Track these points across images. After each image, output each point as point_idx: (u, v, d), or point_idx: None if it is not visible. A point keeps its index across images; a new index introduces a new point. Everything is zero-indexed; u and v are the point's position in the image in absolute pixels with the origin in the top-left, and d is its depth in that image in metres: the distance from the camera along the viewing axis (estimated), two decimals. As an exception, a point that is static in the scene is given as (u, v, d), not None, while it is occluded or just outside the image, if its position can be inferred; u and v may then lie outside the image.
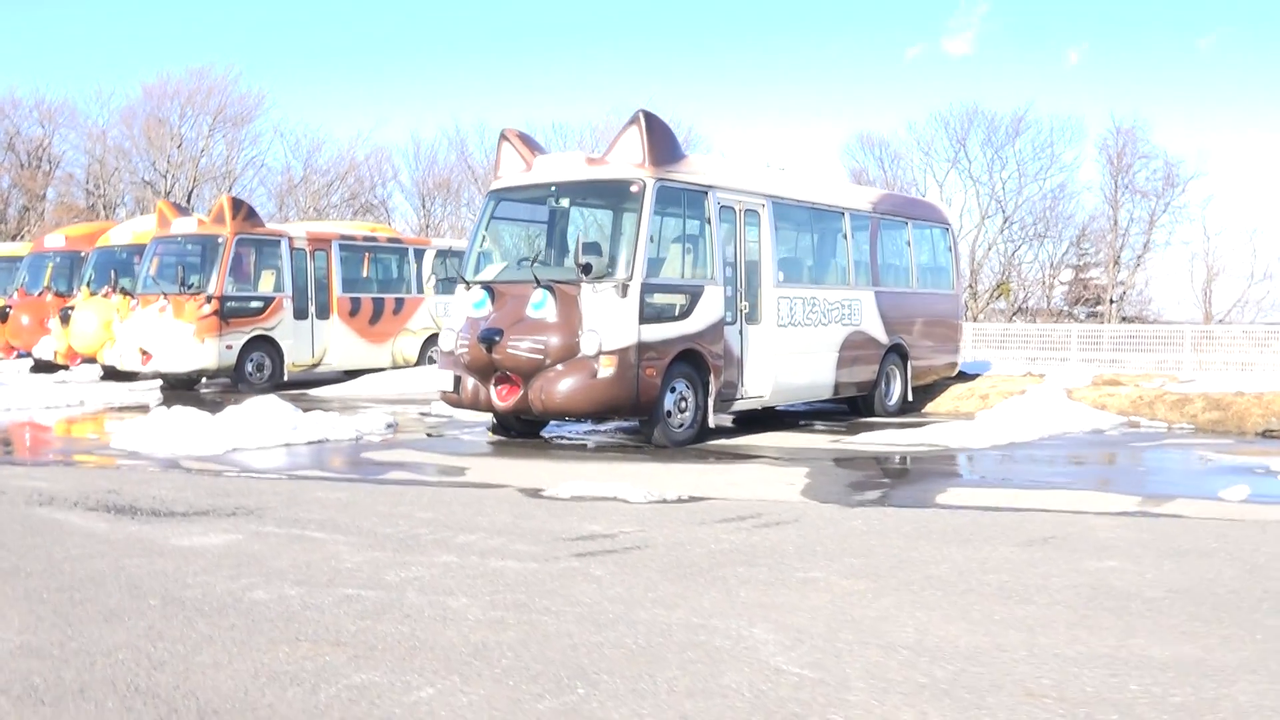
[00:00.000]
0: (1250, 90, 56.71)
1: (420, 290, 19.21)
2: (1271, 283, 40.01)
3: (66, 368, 19.08)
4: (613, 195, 10.09)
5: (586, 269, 9.29)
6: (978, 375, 15.29)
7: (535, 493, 7.22)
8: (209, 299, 15.98)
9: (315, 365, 17.55)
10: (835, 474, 8.27)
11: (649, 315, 9.39)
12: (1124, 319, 39.39)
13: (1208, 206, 66.40)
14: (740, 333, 10.47)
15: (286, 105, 79.71)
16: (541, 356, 9.23)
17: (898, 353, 12.97)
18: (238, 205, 16.74)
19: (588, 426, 11.17)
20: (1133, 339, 23.98)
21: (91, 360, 18.37)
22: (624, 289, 9.27)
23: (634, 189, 9.56)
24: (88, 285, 18.75)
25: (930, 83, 59.94)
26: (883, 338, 12.67)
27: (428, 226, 49.09)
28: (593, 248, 9.34)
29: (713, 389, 10.09)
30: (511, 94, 65.69)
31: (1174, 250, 43.38)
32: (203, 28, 63.40)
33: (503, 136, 10.52)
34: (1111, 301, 40.50)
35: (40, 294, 20.04)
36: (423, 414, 12.91)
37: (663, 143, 9.70)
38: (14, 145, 49.64)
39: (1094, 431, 11.42)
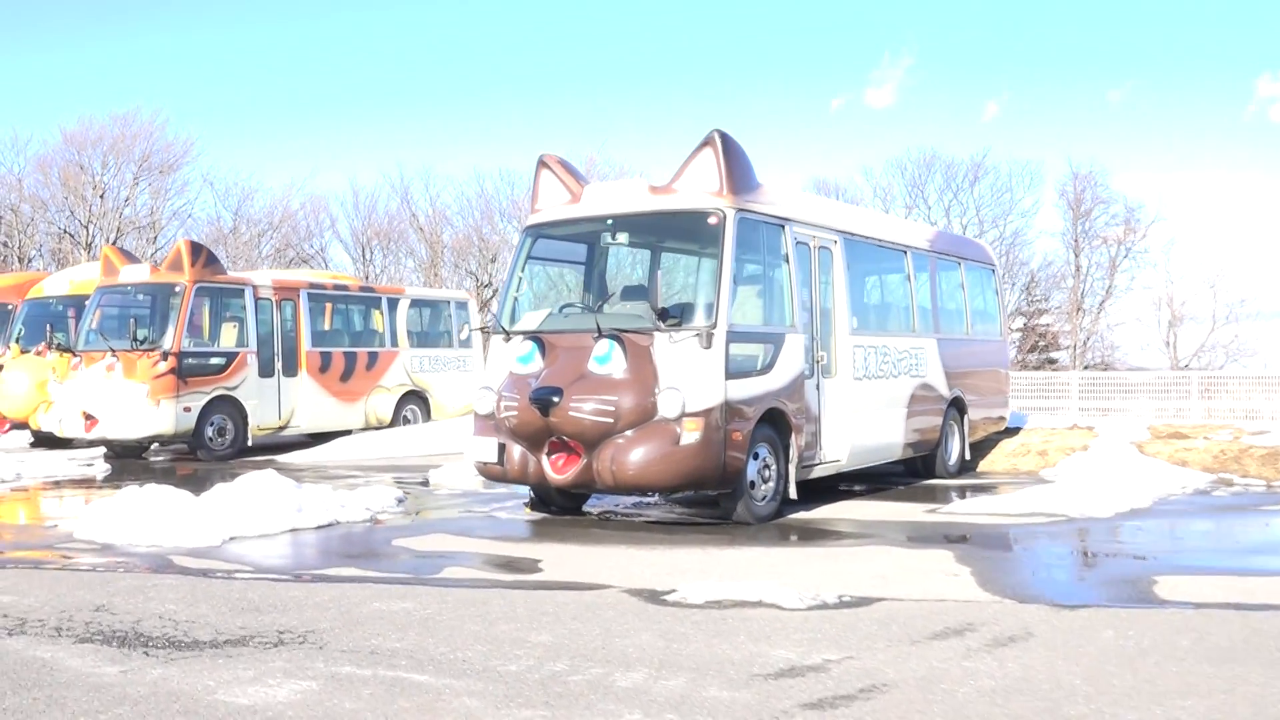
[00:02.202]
0: (1198, 136, 57.70)
1: (395, 343, 17.54)
2: (1236, 325, 40.03)
3: (-8, 434, 16.98)
4: (685, 229, 8.67)
5: (664, 315, 7.84)
6: (1019, 429, 14.10)
7: (655, 597, 5.69)
8: (165, 355, 14.13)
9: (282, 428, 15.74)
10: (993, 559, 6.86)
11: (734, 369, 7.96)
12: (1086, 366, 38.98)
13: (1170, 251, 67.02)
14: (817, 388, 9.09)
15: (216, 152, 77.10)
16: (611, 420, 7.72)
17: (956, 406, 11.72)
18: (197, 250, 14.96)
19: (634, 500, 9.64)
20: (1132, 386, 23.16)
21: (22, 425, 16.32)
22: (708, 338, 7.82)
23: (712, 221, 8.16)
24: (17, 341, 16.72)
25: (857, 133, 59.81)
26: (945, 390, 11.40)
27: (368, 277, 47.11)
28: (670, 290, 7.89)
29: (794, 454, 8.66)
30: (455, 141, 64.24)
31: (1136, 295, 43.26)
32: (127, 72, 60.96)
33: (541, 163, 9.06)
34: (1075, 348, 40.12)
35: (-39, 352, 17.89)
36: (423, 484, 11.27)
37: (741, 168, 8.33)
38: (-80, 194, 46.73)
39: (1198, 493, 10.22)
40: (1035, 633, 4.86)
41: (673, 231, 8.88)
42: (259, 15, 63.26)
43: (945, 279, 11.85)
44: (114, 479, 12.57)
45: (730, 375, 7.90)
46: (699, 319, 7.96)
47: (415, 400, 17.81)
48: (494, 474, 8.41)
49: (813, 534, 8.00)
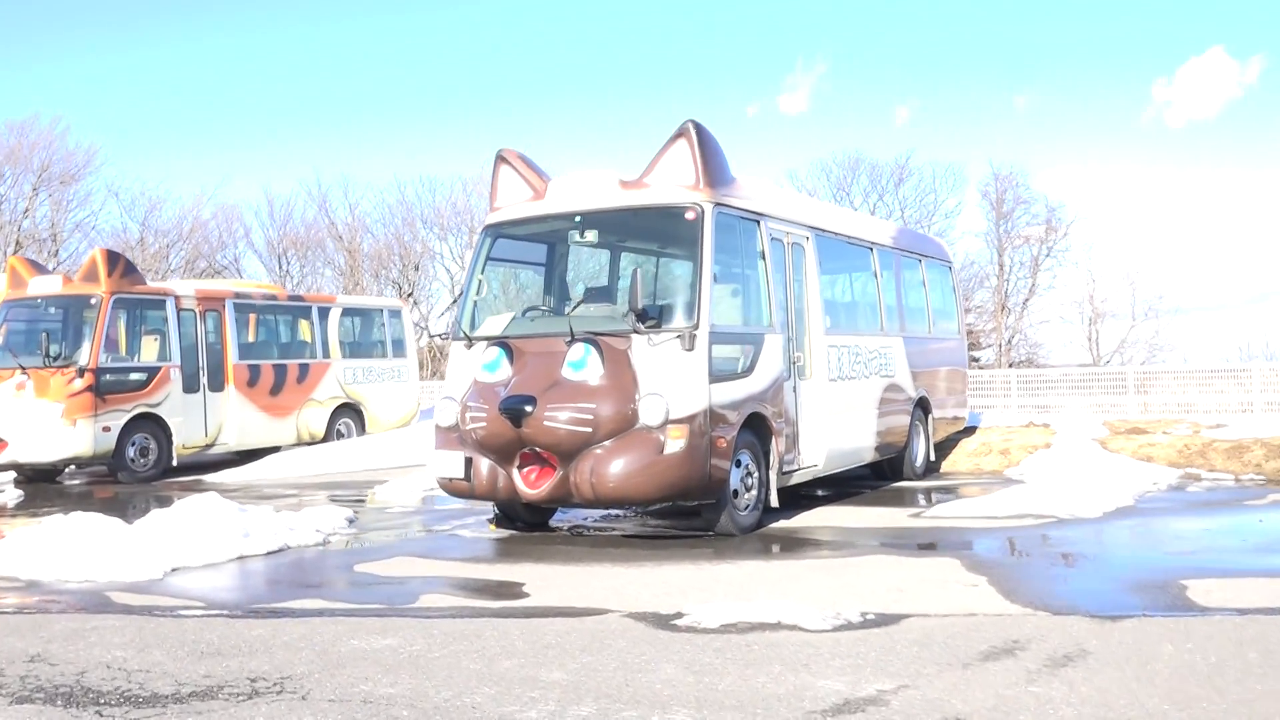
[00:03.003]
0: (1102, 138, 59.10)
1: (327, 354, 16.75)
2: (1156, 321, 40.89)
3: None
4: (660, 225, 8.19)
5: (642, 316, 7.36)
6: (974, 428, 13.92)
7: (663, 621, 5.21)
8: (81, 372, 13.21)
9: (209, 446, 14.87)
10: (1005, 566, 6.48)
11: (716, 373, 7.51)
12: (1012, 364, 39.47)
13: (1090, 249, 68.34)
14: (794, 390, 8.69)
15: (122, 162, 74.36)
16: (589, 429, 7.20)
17: (921, 407, 11.44)
18: (114, 259, 14.05)
19: (602, 513, 9.12)
20: (1068, 382, 23.35)
21: (-78, 450, 15.15)
22: (690, 340, 7.36)
23: (689, 216, 7.70)
24: (-84, 360, 15.55)
25: (772, 138, 60.02)
26: (911, 390, 11.12)
27: (286, 287, 45.74)
28: (646, 290, 7.40)
29: (775, 460, 8.24)
30: (373, 149, 62.88)
31: (1058, 293, 43.98)
32: (24, 80, 58.43)
33: (500, 158, 8.51)
34: (1000, 346, 40.63)
35: None
36: (359, 501, 10.61)
37: (716, 160, 7.89)
38: None
39: (1173, 489, 10.07)
40: (1089, 649, 4.49)
41: (646, 228, 8.40)
42: (163, 23, 61.23)
43: (908, 277, 11.57)
44: (28, 505, 11.65)
45: (713, 379, 7.46)
46: (679, 320, 7.50)
47: (349, 413, 17.05)
48: (459, 490, 7.82)
49: (801, 544, 7.58)
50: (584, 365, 7.36)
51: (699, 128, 7.78)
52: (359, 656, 4.71)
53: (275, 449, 15.92)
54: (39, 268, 15.03)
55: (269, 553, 7.62)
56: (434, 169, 75.37)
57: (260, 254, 47.96)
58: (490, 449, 7.55)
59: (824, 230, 9.53)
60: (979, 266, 42.51)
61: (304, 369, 16.32)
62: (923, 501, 9.75)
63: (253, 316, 16.13)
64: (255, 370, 15.49)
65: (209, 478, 13.99)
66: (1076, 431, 13.00)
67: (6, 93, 58.05)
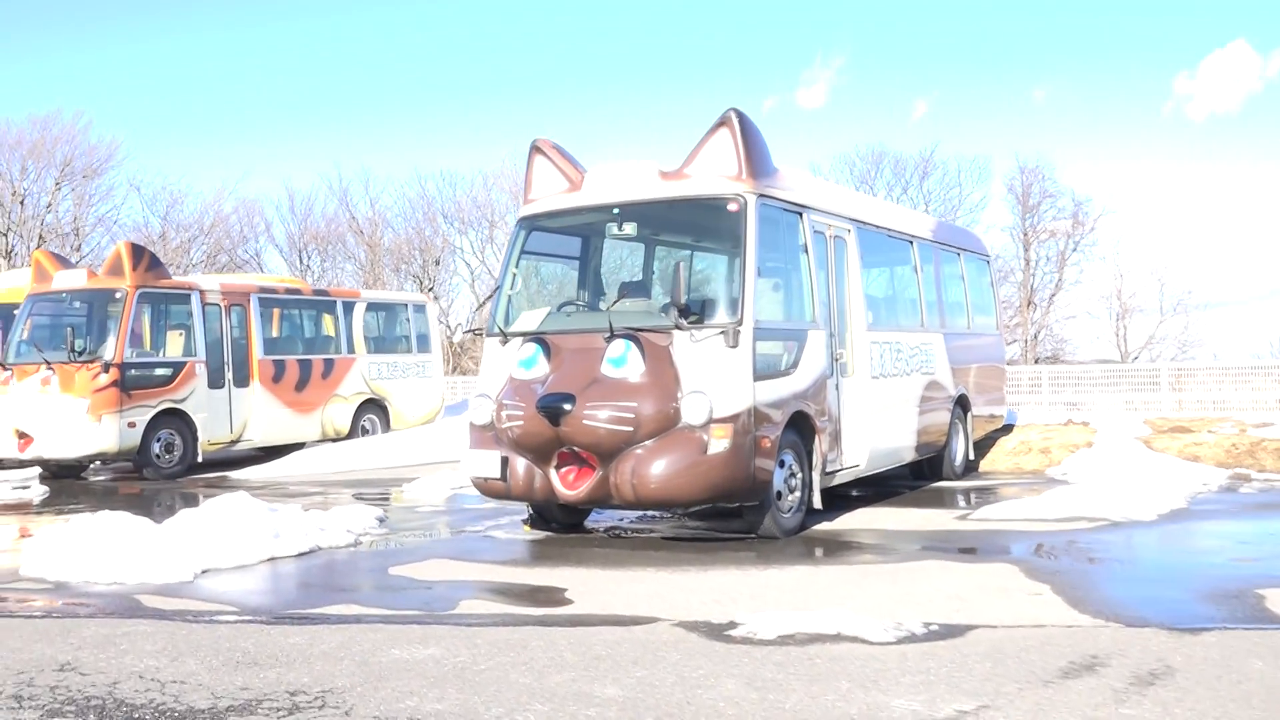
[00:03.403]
0: (1123, 132, 58.46)
1: (351, 349, 16.59)
2: (1185, 316, 40.35)
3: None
4: (701, 217, 7.95)
5: (685, 311, 7.12)
6: (1012, 426, 13.62)
7: (717, 632, 4.98)
8: (106, 367, 13.07)
9: (234, 442, 14.73)
10: (1066, 573, 6.17)
11: (760, 370, 7.27)
12: (1038, 360, 39.03)
13: (1118, 244, 67.39)
14: (836, 387, 8.43)
15: (143, 156, 74.62)
16: (630, 429, 6.97)
17: (961, 404, 11.16)
18: (138, 253, 13.90)
19: (637, 514, 8.89)
20: (1100, 378, 22.99)
21: (-53, 446, 15.07)
22: (734, 336, 7.12)
23: (733, 208, 7.45)
24: (-60, 355, 15.47)
25: (791, 132, 59.57)
26: (952, 388, 10.84)
27: (307, 282, 45.70)
28: (688, 284, 7.15)
29: (818, 460, 8.00)
30: (393, 143, 62.83)
31: (1084, 288, 43.44)
32: (47, 73, 58.63)
33: (535, 149, 8.28)
34: (1026, 342, 40.16)
35: (-123, 367, 16.53)
36: (382, 498, 10.42)
37: (759, 150, 7.63)
38: None
39: (1224, 490, 9.78)
40: (1174, 665, 4.24)
41: (687, 220, 8.15)
42: (183, 17, 61.31)
43: (947, 271, 11.29)
44: (53, 502, 11.53)
45: (757, 377, 7.22)
46: (723, 315, 7.27)
47: (373, 409, 16.89)
48: (495, 490, 7.61)
49: (847, 548, 7.34)
50: (624, 362, 7.13)
51: (741, 116, 7.53)
52: (402, 668, 4.50)
53: (299, 445, 15.79)
54: (64, 261, 14.92)
55: (300, 554, 7.43)
56: (454, 163, 75.32)
57: (281, 248, 47.97)
58: (527, 448, 7.34)
59: (865, 223, 9.27)
60: (1004, 261, 42.00)
61: (329, 364, 16.16)
62: (966, 502, 9.49)
63: (277, 311, 15.99)
64: (280, 366, 15.34)
65: (234, 474, 13.85)
66: (1118, 430, 12.70)
67: (29, 87, 58.25)
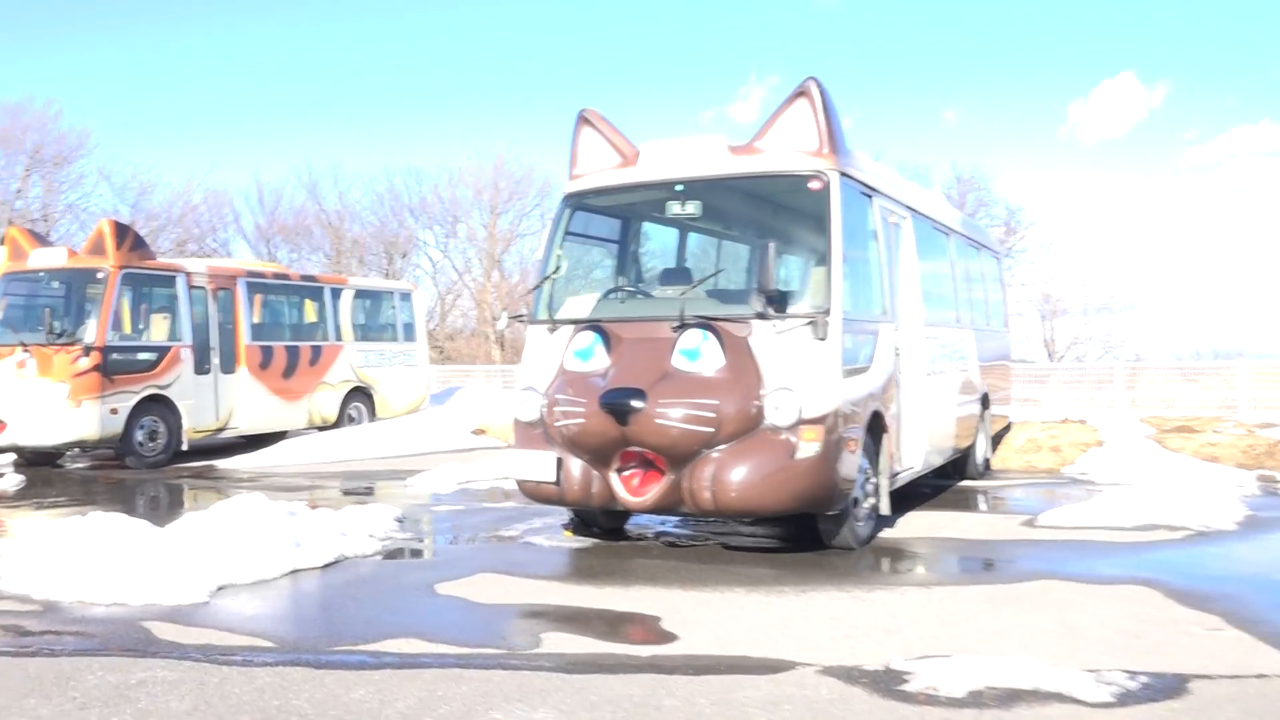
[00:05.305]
0: (1024, 149, 58.52)
1: (339, 337, 15.07)
2: (1110, 316, 40.05)
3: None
4: (777, 195, 6.69)
5: (771, 298, 5.89)
6: (1010, 424, 12.63)
7: (888, 686, 3.76)
8: (87, 350, 11.46)
9: (220, 430, 13.16)
10: (1225, 600, 4.99)
11: (846, 366, 6.08)
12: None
13: (1047, 249, 67.37)
14: (898, 384, 7.27)
15: (113, 146, 70.92)
16: (710, 429, 5.72)
17: (983, 403, 10.09)
18: (123, 232, 12.26)
19: (676, 519, 7.63)
20: (1062, 377, 22.27)
21: (-87, 430, 13.27)
22: (823, 327, 5.91)
23: (814, 186, 6.23)
24: (-94, 335, 13.64)
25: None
26: (980, 385, 9.77)
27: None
28: (767, 270, 5.90)
29: (887, 463, 6.83)
30: (365, 139, 60.45)
31: (1015, 292, 42.90)
32: (18, 61, 55.25)
33: (582, 119, 6.97)
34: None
35: None
36: (366, 491, 9.06)
37: (838, 125, 6.42)
38: None
39: (1269, 494, 8.82)
40: None
41: (760, 199, 6.89)
42: (156, 9, 58.32)
43: (973, 266, 10.21)
44: (29, 493, 9.96)
45: (844, 373, 6.02)
46: (809, 304, 6.05)
47: (360, 397, 15.40)
48: (545, 495, 6.30)
49: (933, 562, 6.20)
50: (699, 354, 5.88)
51: (821, 87, 6.30)
52: (517, 743, 3.22)
53: (283, 434, 14.29)
54: (41, 239, 13.20)
55: (325, 565, 6.08)
56: (421, 160, 72.89)
57: (249, 239, 45.67)
58: (585, 449, 6.05)
59: (919, 212, 8.13)
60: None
61: (316, 351, 14.64)
62: (1019, 507, 8.41)
63: (265, 296, 14.41)
64: (268, 352, 13.79)
65: (220, 463, 12.34)
66: (1123, 429, 11.77)
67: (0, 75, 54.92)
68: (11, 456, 12.29)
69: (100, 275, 11.86)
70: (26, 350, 11.50)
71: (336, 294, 15.25)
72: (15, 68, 54.17)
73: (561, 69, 61.02)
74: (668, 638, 4.51)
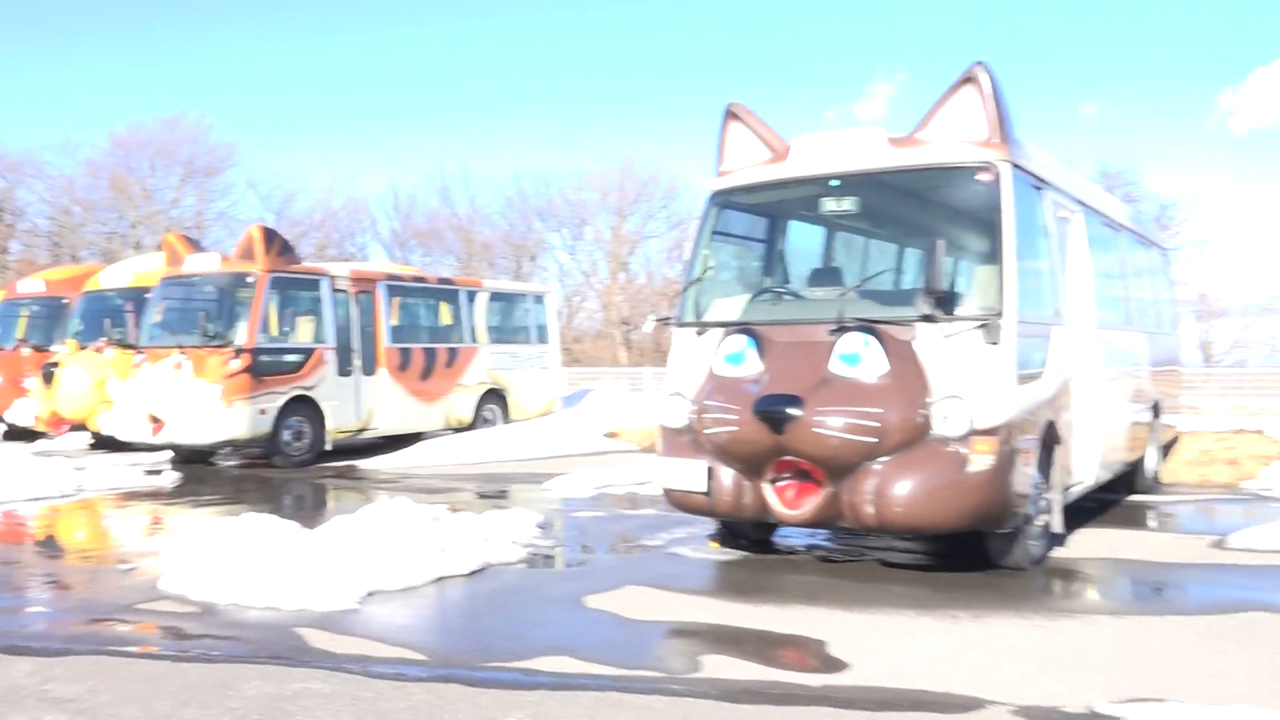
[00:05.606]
0: (1173, 145, 55.31)
1: (474, 339, 15.16)
2: (1273, 317, 37.46)
3: (47, 435, 14.65)
4: (942, 189, 6.27)
5: (941, 300, 5.50)
6: (1178, 433, 11.72)
7: (1094, 732, 3.37)
8: (238, 352, 11.78)
9: (360, 430, 13.37)
10: None
11: (1020, 372, 5.62)
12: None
13: (1204, 246, 63.78)
14: (1069, 392, 6.73)
15: (259, 156, 74.48)
16: (874, 439, 5.36)
17: (1154, 411, 9.36)
18: (270, 237, 12.59)
19: (824, 533, 7.26)
20: (1221, 383, 20.86)
21: (80, 426, 13.98)
22: (995, 331, 5.48)
23: (984, 178, 5.80)
24: (74, 337, 14.38)
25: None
26: (1152, 392, 9.06)
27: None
28: (931, 268, 5.50)
29: (1060, 476, 6.32)
30: (495, 143, 61.77)
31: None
32: (173, 77, 58.46)
33: (730, 113, 6.69)
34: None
35: (14, 348, 15.53)
36: (500, 493, 8.94)
37: (1007, 113, 5.96)
38: (-25, 197, 44.38)
39: None
40: None
41: (922, 194, 6.48)
42: (300, 23, 60.81)
43: (1143, 263, 9.50)
44: (186, 490, 10.26)
45: (1019, 379, 5.57)
46: (979, 305, 5.62)
47: (494, 399, 15.45)
48: (695, 505, 6.04)
49: (1113, 587, 5.68)
50: (860, 359, 5.52)
51: (990, 72, 5.86)
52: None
53: (419, 435, 14.44)
54: (195, 245, 13.68)
55: (471, 573, 5.96)
56: (549, 163, 73.91)
57: (384, 243, 47.12)
58: (737, 458, 5.76)
59: (1089, 206, 7.56)
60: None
61: (453, 353, 14.76)
62: (1200, 525, 7.74)
63: (404, 299, 14.62)
64: (406, 354, 13.96)
65: (361, 463, 12.53)
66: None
67: (156, 90, 58.20)
68: (169, 454, 12.76)
69: (250, 279, 12.19)
70: (182, 352, 11.90)
71: (472, 296, 15.36)
72: (169, 82, 57.32)
73: (687, 70, 61.00)
74: (837, 665, 4.18)
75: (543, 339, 16.51)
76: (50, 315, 15.92)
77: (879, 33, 58.50)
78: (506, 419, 15.55)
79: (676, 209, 44.00)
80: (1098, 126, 53.31)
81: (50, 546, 7.56)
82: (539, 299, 16.90)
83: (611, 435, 14.81)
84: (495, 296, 16.00)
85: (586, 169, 55.74)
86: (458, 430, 14.72)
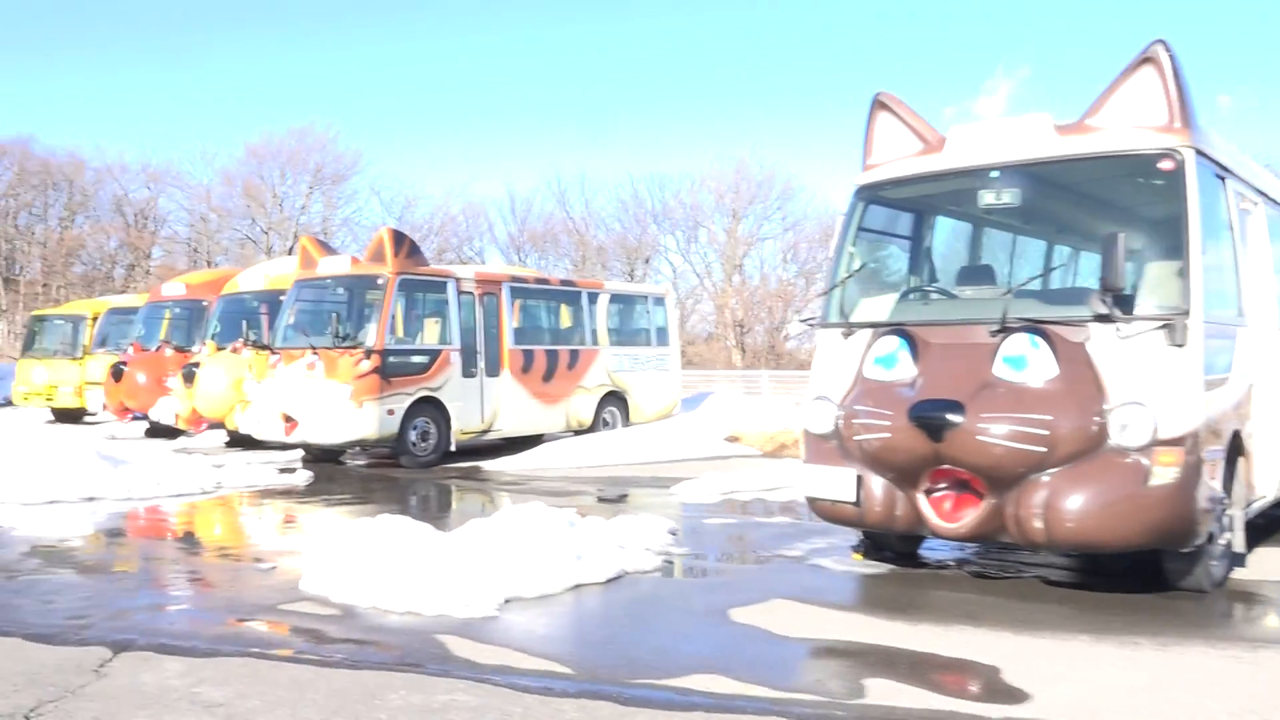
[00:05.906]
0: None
1: (595, 341, 15.08)
2: None
3: (187, 433, 15.19)
4: (1117, 179, 5.83)
5: (1119, 298, 5.07)
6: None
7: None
8: (368, 353, 11.93)
9: (484, 431, 13.41)
10: None
11: (1207, 376, 5.14)
12: None
13: None
14: (1254, 398, 6.15)
15: (381, 163, 76.85)
16: (1043, 448, 4.96)
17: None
18: (399, 240, 12.73)
19: (973, 546, 6.84)
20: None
21: (218, 425, 14.43)
22: (1181, 331, 5.02)
23: (1165, 166, 5.33)
24: (213, 338, 14.86)
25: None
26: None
27: (525, 278, 45.20)
28: (1123, 262, 5.05)
29: (1243, 490, 5.77)
30: (610, 146, 62.26)
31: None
32: (302, 89, 60.66)
33: (878, 104, 6.35)
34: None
35: (158, 349, 16.17)
36: (620, 497, 8.72)
37: (1189, 96, 5.48)
38: (121, 208, 46.93)
39: None
40: None
41: (1095, 185, 6.02)
42: (420, 29, 62.34)
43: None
44: (317, 489, 10.41)
45: (1205, 384, 5.09)
46: (1161, 303, 5.16)
47: (615, 402, 15.33)
48: (842, 516, 5.73)
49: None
50: (1027, 363, 5.13)
51: (1170, 51, 5.39)
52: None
53: (539, 437, 14.43)
54: (328, 248, 13.96)
55: (607, 580, 5.78)
56: (664, 166, 74.18)
57: (500, 247, 47.87)
58: (889, 466, 5.43)
59: (1270, 197, 6.94)
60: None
61: (574, 355, 14.70)
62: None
63: (527, 301, 14.64)
64: (529, 356, 13.96)
65: (485, 465, 12.55)
66: None
67: (286, 102, 60.44)
68: (300, 452, 13.04)
69: (380, 281, 12.34)
70: (315, 353, 12.12)
71: (593, 298, 15.29)
72: (298, 95, 59.41)
73: (802, 70, 60.25)
74: (1017, 696, 3.83)
75: (662, 341, 16.34)
76: (190, 317, 16.54)
77: (1000, 26, 56.68)
78: (626, 421, 15.42)
79: (792, 210, 43.51)
80: (1236, 117, 50.50)
81: (192, 543, 7.71)
82: (659, 301, 16.73)
83: (732, 439, 14.52)
84: (615, 298, 15.90)
85: (701, 170, 55.71)
86: (578, 432, 14.66)
